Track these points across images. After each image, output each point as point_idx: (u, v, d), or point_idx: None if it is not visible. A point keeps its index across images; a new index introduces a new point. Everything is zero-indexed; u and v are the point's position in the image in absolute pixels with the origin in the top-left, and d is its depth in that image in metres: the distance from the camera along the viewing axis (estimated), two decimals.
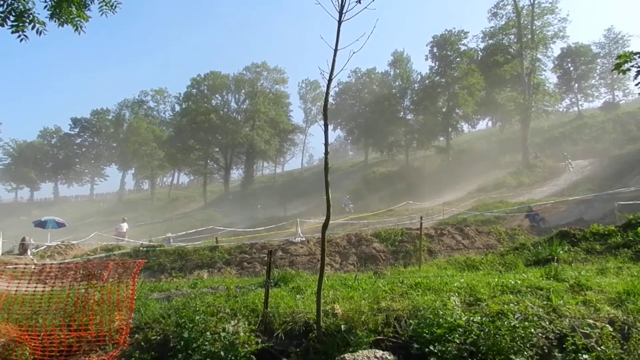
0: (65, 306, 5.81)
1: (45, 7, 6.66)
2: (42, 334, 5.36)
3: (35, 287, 5.91)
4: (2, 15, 6.40)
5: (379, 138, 66.57)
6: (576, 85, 67.79)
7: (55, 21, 6.79)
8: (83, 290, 5.93)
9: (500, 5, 52.09)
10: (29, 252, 18.10)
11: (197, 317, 5.33)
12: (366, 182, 61.12)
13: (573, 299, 5.30)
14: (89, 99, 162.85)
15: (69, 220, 33.12)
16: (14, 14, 6.47)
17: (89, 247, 21.45)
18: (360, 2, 4.96)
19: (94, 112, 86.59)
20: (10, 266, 7.31)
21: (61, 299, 5.88)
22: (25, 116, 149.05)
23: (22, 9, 6.51)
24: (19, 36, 6.50)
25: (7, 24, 6.45)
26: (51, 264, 10.38)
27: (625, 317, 4.70)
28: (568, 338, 4.35)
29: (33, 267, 7.34)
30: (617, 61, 6.27)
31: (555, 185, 37.40)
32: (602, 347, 4.15)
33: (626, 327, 4.53)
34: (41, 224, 24.31)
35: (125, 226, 27.82)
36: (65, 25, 6.86)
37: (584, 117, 62.14)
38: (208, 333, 5.01)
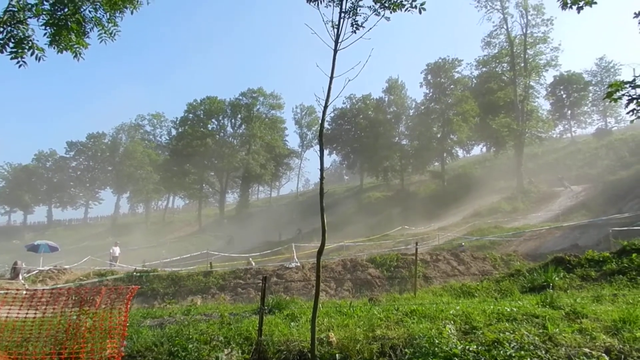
0: (57, 333, 5.71)
1: (45, 34, 6.73)
2: None
3: (27, 313, 5.80)
4: (2, 42, 6.46)
5: (374, 163, 66.67)
6: (569, 112, 68.76)
7: (54, 48, 6.85)
8: (75, 317, 5.83)
9: (493, 35, 53.09)
10: (20, 277, 17.87)
11: (190, 346, 5.26)
12: (361, 206, 61.11)
13: (569, 327, 5.27)
14: (86, 123, 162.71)
15: (62, 244, 32.83)
16: (13, 40, 6.54)
17: (82, 272, 21.20)
18: (355, 32, 5.08)
19: (90, 136, 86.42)
20: (1, 291, 7.21)
21: (52, 326, 5.77)
22: (20, 140, 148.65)
23: (22, 36, 6.58)
24: (18, 62, 6.55)
25: (6, 51, 6.50)
26: (43, 289, 10.25)
27: (621, 346, 4.68)
28: None
29: (24, 292, 7.24)
30: (609, 90, 6.41)
31: (549, 211, 37.47)
32: None
33: (622, 356, 4.51)
34: (34, 248, 24.08)
35: (117, 250, 27.59)
36: (64, 52, 6.92)
37: (577, 143, 62.75)
38: None
